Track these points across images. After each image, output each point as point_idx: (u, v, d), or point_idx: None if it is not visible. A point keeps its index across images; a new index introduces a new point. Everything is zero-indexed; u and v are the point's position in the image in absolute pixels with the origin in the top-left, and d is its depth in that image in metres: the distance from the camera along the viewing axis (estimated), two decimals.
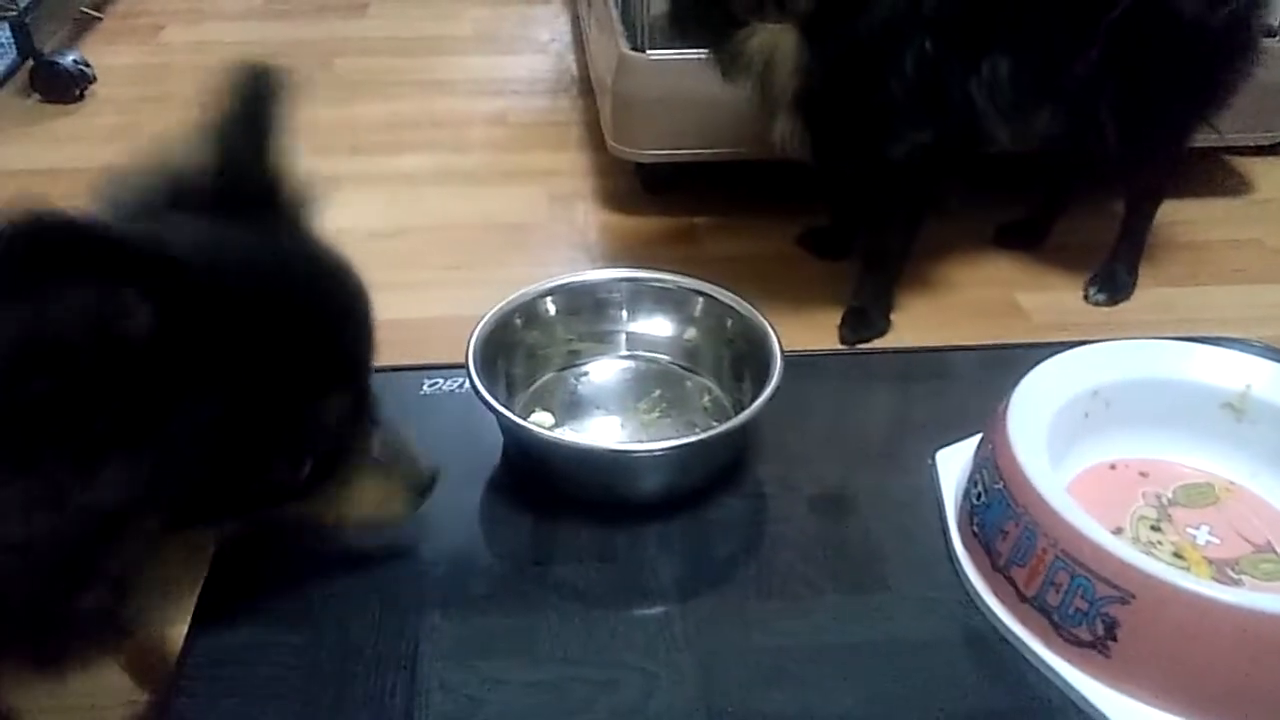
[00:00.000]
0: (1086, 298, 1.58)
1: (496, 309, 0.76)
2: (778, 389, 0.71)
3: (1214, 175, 1.89)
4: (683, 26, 1.37)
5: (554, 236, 1.76)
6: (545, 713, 0.58)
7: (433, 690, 0.59)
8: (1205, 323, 1.47)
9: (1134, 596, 0.56)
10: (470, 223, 1.77)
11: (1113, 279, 1.58)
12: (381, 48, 2.45)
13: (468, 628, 0.63)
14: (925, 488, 0.72)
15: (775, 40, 1.26)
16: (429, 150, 1.99)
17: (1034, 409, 0.67)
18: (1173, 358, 0.73)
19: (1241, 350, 0.73)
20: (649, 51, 1.62)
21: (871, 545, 0.70)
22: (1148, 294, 1.59)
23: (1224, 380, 0.71)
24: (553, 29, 2.51)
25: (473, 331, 0.74)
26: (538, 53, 2.40)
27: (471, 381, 0.71)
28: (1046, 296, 1.59)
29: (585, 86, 2.16)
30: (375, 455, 0.62)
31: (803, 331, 1.37)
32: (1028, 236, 1.68)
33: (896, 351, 0.88)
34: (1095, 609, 0.58)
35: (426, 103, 2.18)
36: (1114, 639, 0.57)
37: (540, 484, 0.72)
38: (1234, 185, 1.88)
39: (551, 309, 0.78)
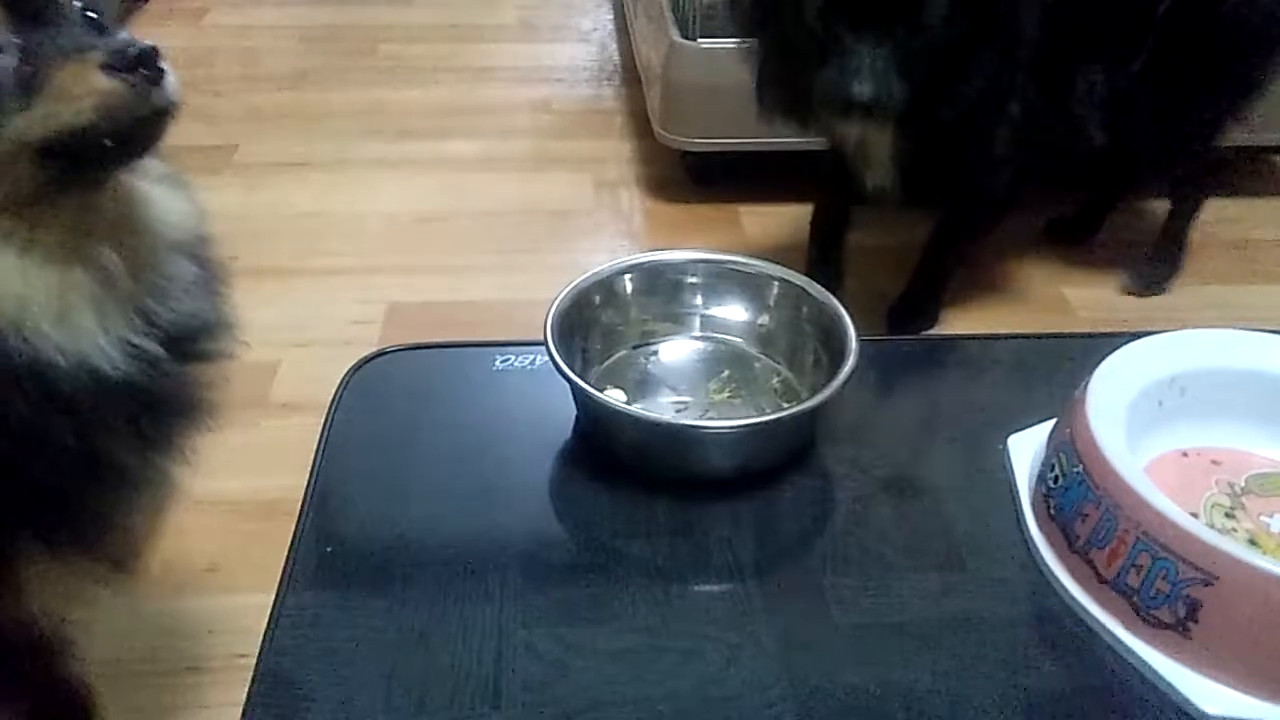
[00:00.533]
0: (1124, 286, 1.58)
1: (573, 285, 0.77)
2: (852, 373, 0.72)
3: (1262, 175, 1.88)
4: (769, 109, 1.30)
5: (599, 223, 1.77)
6: (631, 679, 0.59)
7: (519, 655, 0.60)
8: (1258, 320, 1.46)
9: (1217, 578, 0.57)
10: (517, 208, 1.79)
11: (1149, 270, 1.58)
12: (426, 34, 2.46)
13: (549, 597, 0.64)
14: (996, 472, 0.73)
15: (868, 134, 1.24)
16: (475, 136, 2.00)
17: (1113, 395, 0.68)
18: (1249, 348, 0.73)
19: None
20: (699, 40, 1.63)
21: (945, 526, 0.70)
22: (1198, 291, 1.59)
23: None
24: (595, 18, 2.51)
25: (550, 306, 0.75)
26: (580, 41, 2.41)
27: (550, 353, 0.72)
28: (1093, 292, 1.59)
29: (629, 75, 2.17)
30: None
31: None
32: (1078, 232, 1.68)
33: (963, 338, 0.88)
34: (1177, 591, 0.58)
35: (471, 89, 2.19)
36: (1195, 620, 0.58)
37: (612, 458, 0.73)
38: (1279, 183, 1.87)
39: (628, 287, 0.79)
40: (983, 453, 0.74)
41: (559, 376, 0.71)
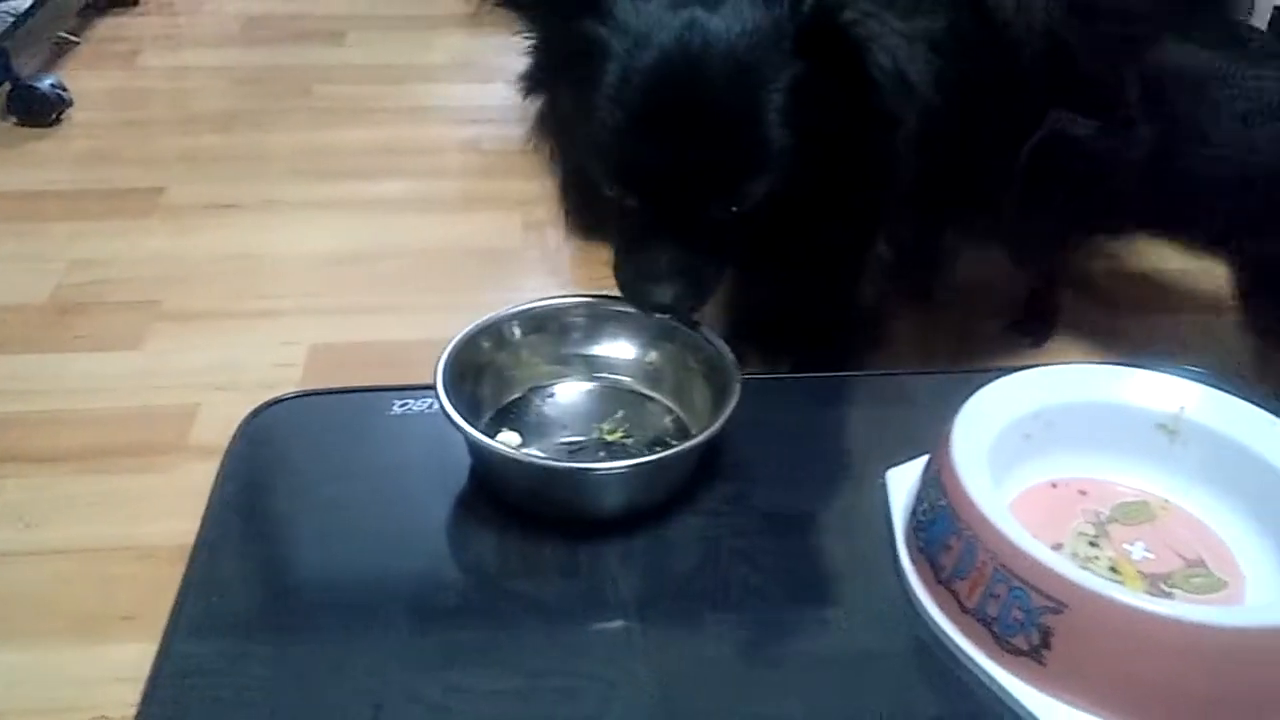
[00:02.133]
0: (1010, 338, 1.59)
1: (464, 331, 0.79)
2: (734, 411, 0.74)
3: None
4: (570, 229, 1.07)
5: (527, 263, 1.79)
6: (506, 719, 0.61)
7: (399, 699, 0.61)
8: (1153, 348, 1.52)
9: (1066, 606, 0.59)
10: (445, 248, 1.80)
11: (1031, 324, 1.60)
12: (359, 75, 2.47)
13: (435, 640, 0.66)
14: (877, 506, 0.75)
15: None
16: (405, 176, 2.01)
17: (977, 430, 0.71)
18: (1109, 381, 0.76)
19: (1175, 374, 0.76)
20: None
21: (823, 560, 0.73)
22: (1093, 323, 1.63)
23: (1158, 403, 0.75)
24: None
25: (441, 353, 0.77)
26: (512, 81, 2.43)
27: (439, 401, 0.73)
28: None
29: None
30: None
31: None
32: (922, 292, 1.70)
33: (847, 375, 0.90)
34: (1031, 619, 0.61)
35: (403, 130, 2.21)
36: (1048, 647, 0.60)
37: (506, 502, 0.75)
38: None
39: (517, 332, 0.81)
40: (863, 487, 0.77)
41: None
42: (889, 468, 0.77)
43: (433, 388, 0.75)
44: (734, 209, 0.82)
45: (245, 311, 1.62)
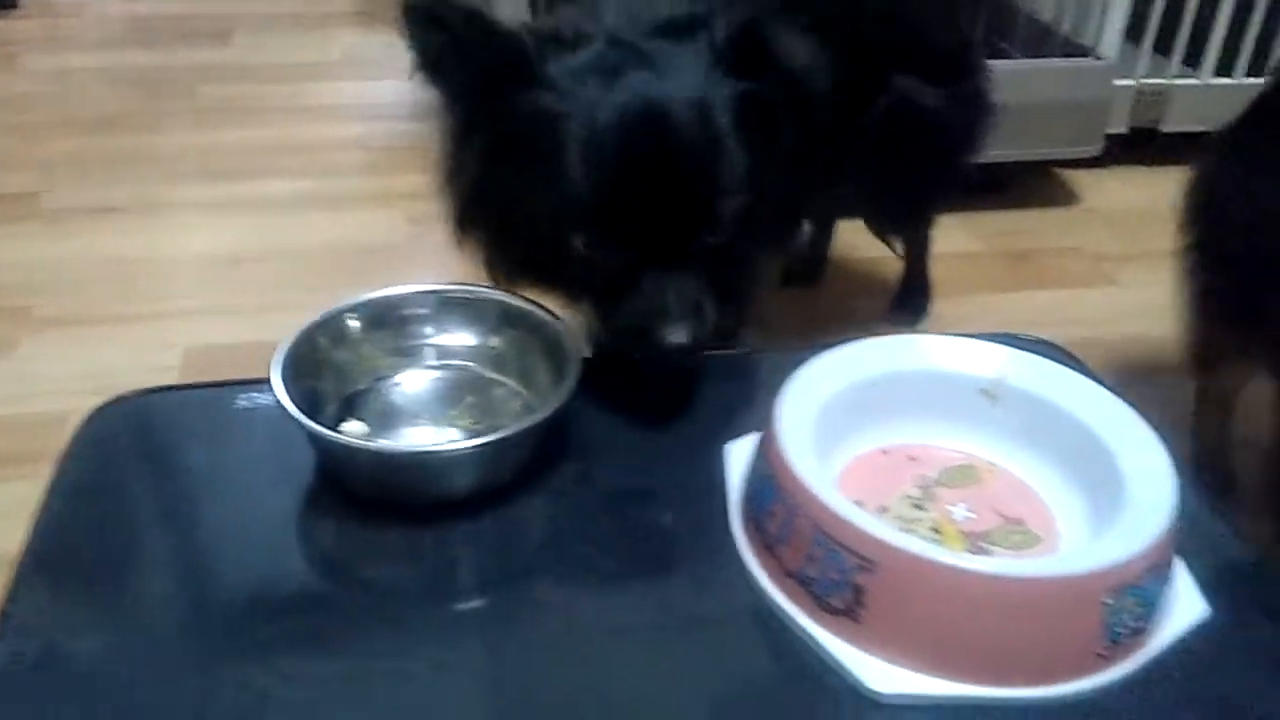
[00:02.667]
0: (889, 324, 1.63)
1: (302, 327, 0.79)
2: (578, 390, 0.75)
3: (1044, 187, 2.01)
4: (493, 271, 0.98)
5: (412, 258, 1.78)
6: (333, 703, 0.61)
7: (226, 688, 0.61)
8: (1025, 326, 1.56)
9: (876, 564, 0.62)
10: (331, 246, 1.79)
11: (907, 302, 1.65)
12: (246, 75, 2.45)
13: (267, 629, 0.66)
14: (717, 480, 0.77)
15: None
16: (290, 175, 2.00)
17: (803, 401, 0.73)
18: (934, 350, 0.79)
19: (995, 341, 0.79)
20: None
21: (663, 533, 0.74)
22: (976, 299, 1.68)
23: (980, 369, 0.78)
24: None
25: (277, 349, 0.76)
26: (402, 77, 2.42)
27: (274, 392, 0.73)
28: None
29: None
30: None
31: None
32: (811, 274, 1.74)
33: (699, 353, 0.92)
34: (846, 578, 0.63)
35: (290, 129, 2.19)
36: (863, 605, 0.63)
37: (351, 492, 0.75)
38: (1062, 196, 2.00)
39: (356, 325, 0.81)
40: (705, 462, 0.78)
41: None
42: (730, 442, 0.79)
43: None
44: (713, 237, 0.84)
45: (122, 316, 1.60)
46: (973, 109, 1.37)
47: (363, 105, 2.29)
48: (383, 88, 2.38)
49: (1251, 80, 2.09)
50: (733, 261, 0.89)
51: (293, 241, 1.79)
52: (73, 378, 1.46)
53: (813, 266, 1.72)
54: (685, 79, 0.82)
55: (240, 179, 2.00)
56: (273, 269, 1.72)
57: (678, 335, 0.80)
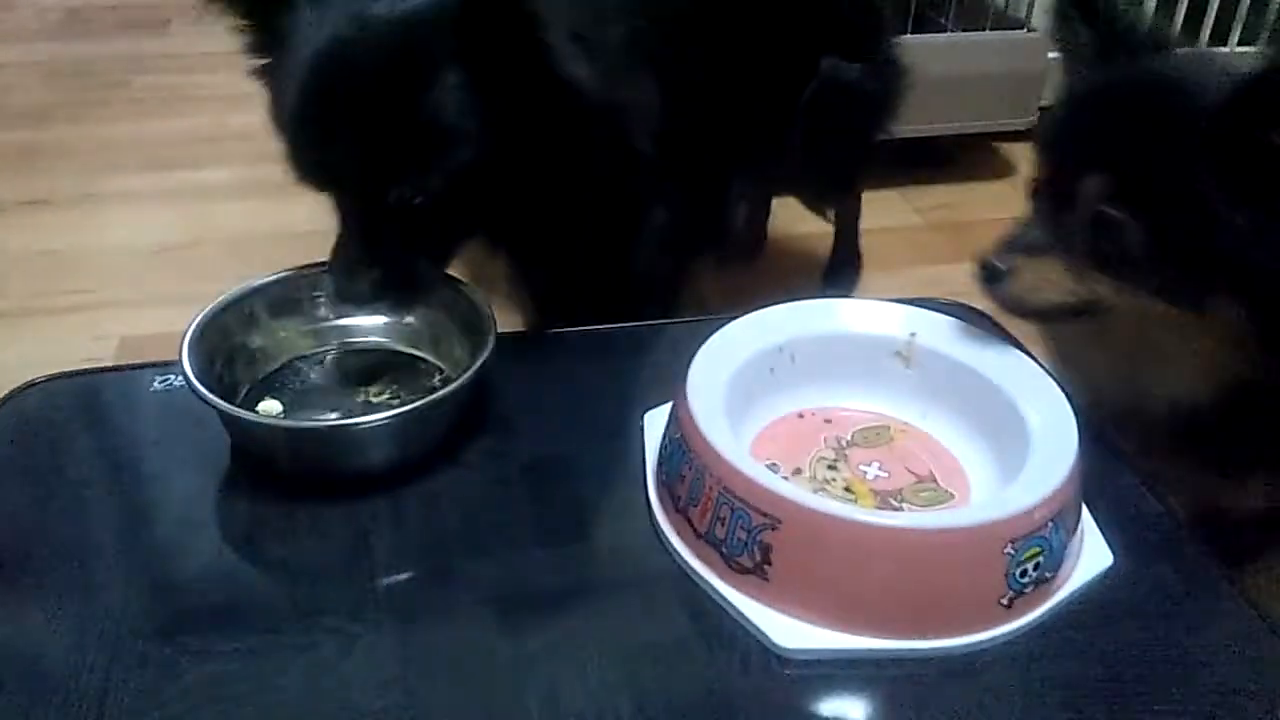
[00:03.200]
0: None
1: (208, 309, 0.78)
2: (491, 362, 0.75)
3: (982, 160, 2.02)
4: None
5: None
6: (241, 676, 0.60)
7: (132, 665, 0.61)
8: (968, 298, 1.58)
9: (781, 522, 0.62)
10: (267, 233, 1.77)
11: (839, 273, 1.66)
12: (182, 64, 2.41)
13: (173, 607, 0.65)
14: (634, 449, 0.77)
15: None
16: (227, 164, 1.97)
17: (715, 366, 0.73)
18: (846, 313, 0.80)
19: (906, 303, 0.80)
20: None
21: (578, 502, 0.74)
22: (916, 272, 1.69)
23: (892, 330, 0.79)
24: None
25: (185, 331, 0.76)
26: None
27: (183, 374, 0.72)
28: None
29: None
30: None
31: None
32: (750, 250, 1.73)
33: (610, 329, 0.92)
34: (752, 537, 0.63)
35: (226, 117, 2.15)
36: (770, 563, 0.63)
37: (265, 471, 0.75)
38: (1000, 169, 2.02)
39: (265, 308, 0.81)
40: (623, 432, 0.78)
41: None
42: (648, 411, 0.79)
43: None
44: (417, 198, 0.79)
45: (54, 308, 1.57)
46: (890, 78, 1.38)
47: None
48: None
49: None
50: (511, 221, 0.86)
51: (230, 229, 1.77)
52: (5, 369, 1.43)
53: (750, 244, 1.73)
54: (400, 29, 0.77)
55: (176, 168, 1.97)
56: (209, 257, 1.70)
57: (358, 288, 0.80)
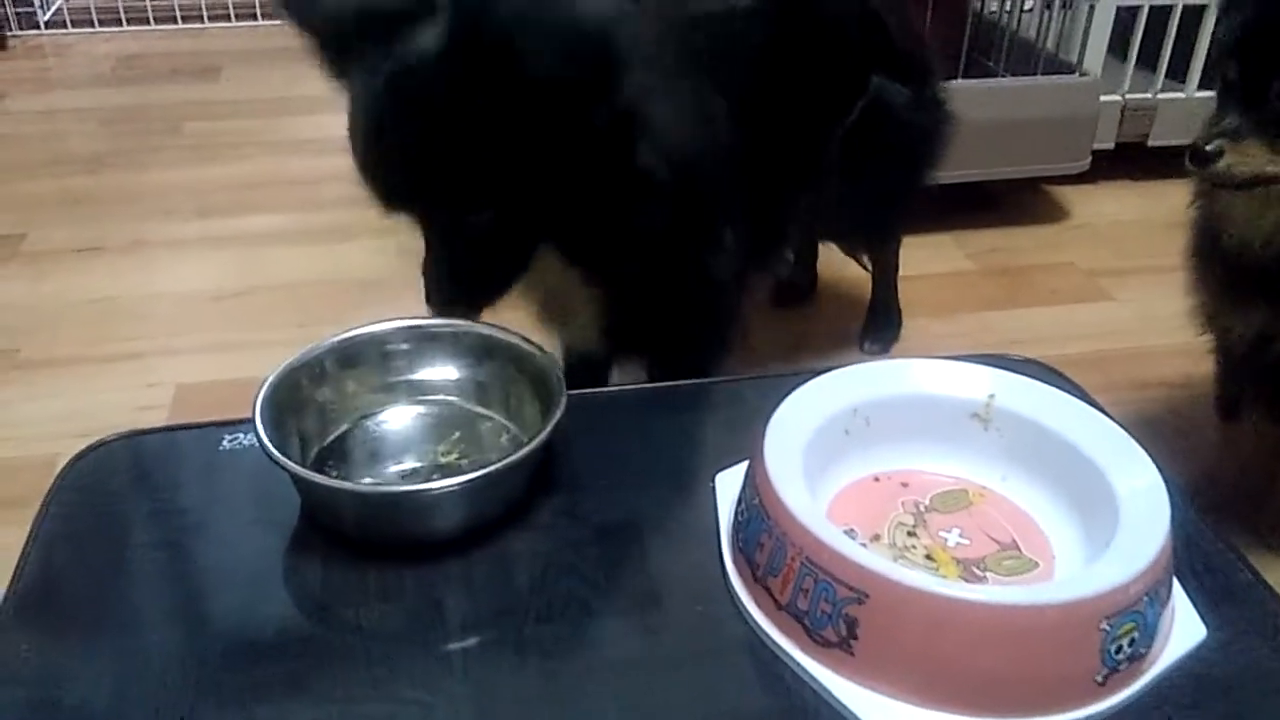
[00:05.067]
0: (862, 349, 1.61)
1: (281, 367, 0.78)
2: (564, 423, 0.74)
3: (1034, 204, 2.01)
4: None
5: (401, 290, 1.75)
6: None
7: None
8: (1021, 344, 1.56)
9: (868, 595, 0.61)
10: (319, 279, 1.78)
11: (878, 327, 1.64)
12: (233, 111, 2.45)
13: (246, 674, 0.64)
14: (706, 511, 0.76)
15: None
16: (278, 210, 2.00)
17: (791, 428, 0.72)
18: (921, 374, 0.78)
19: (981, 363, 0.79)
20: None
21: (650, 566, 0.73)
22: (969, 318, 1.68)
23: (969, 392, 0.77)
24: None
25: (258, 390, 0.76)
26: None
27: (256, 434, 0.72)
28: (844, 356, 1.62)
29: None
30: None
31: None
32: (801, 291, 1.74)
33: (677, 386, 0.91)
34: (837, 610, 0.62)
35: (277, 163, 2.19)
36: (855, 637, 0.62)
37: (336, 535, 0.74)
38: (1052, 212, 2.00)
39: (337, 365, 0.80)
40: (694, 493, 0.77)
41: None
42: (718, 471, 0.78)
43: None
44: (471, 216, 0.88)
45: (108, 355, 1.59)
46: (935, 114, 1.38)
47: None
48: None
49: None
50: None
51: (281, 276, 1.79)
52: (59, 419, 1.45)
53: (802, 285, 1.72)
54: (425, 69, 0.84)
55: (227, 215, 1.99)
56: (261, 304, 1.72)
57: (439, 296, 0.91)
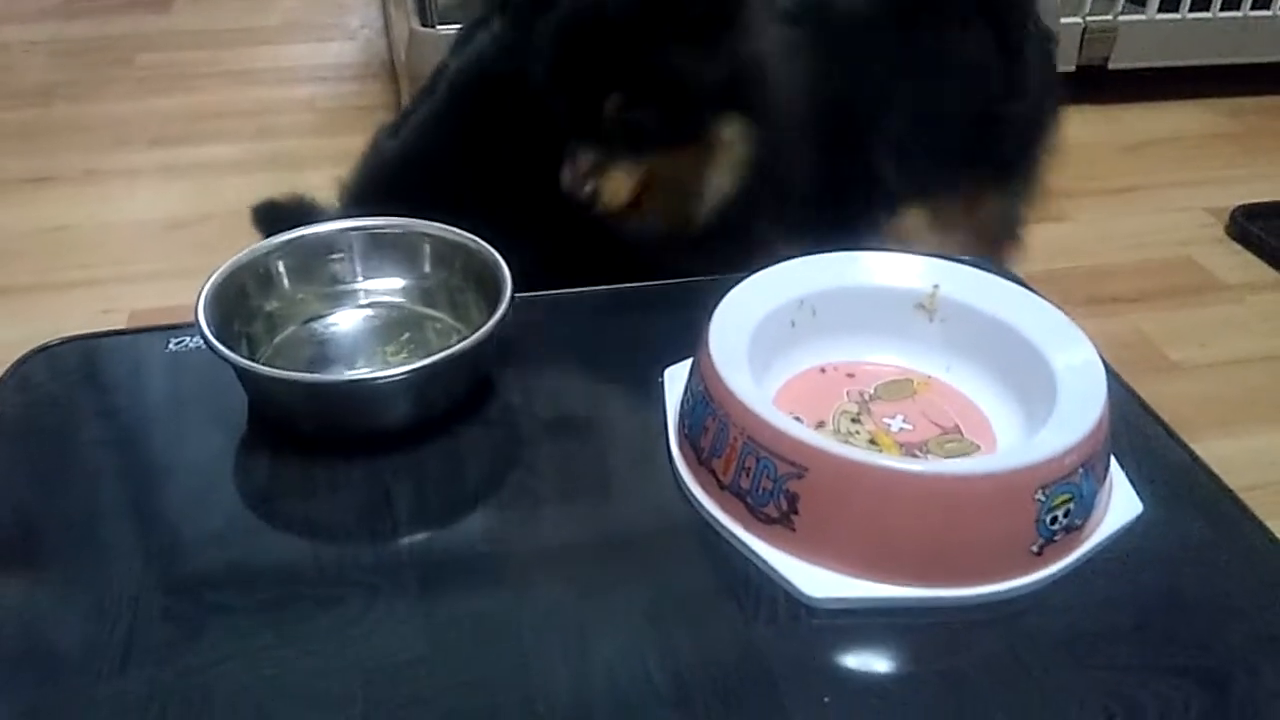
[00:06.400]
0: None
1: (224, 267, 0.77)
2: (505, 316, 0.74)
3: None
4: None
5: None
6: (265, 630, 0.60)
7: (154, 621, 0.60)
8: None
9: (807, 470, 0.61)
10: None
11: None
12: (187, 41, 2.40)
13: (196, 563, 0.65)
14: (657, 405, 0.76)
15: None
16: (233, 140, 1.97)
17: (737, 318, 0.72)
18: (866, 266, 0.78)
19: (927, 255, 0.79)
20: (439, 27, 1.64)
21: (599, 457, 0.74)
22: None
23: (915, 283, 0.77)
24: (364, 15, 2.50)
25: (200, 289, 0.75)
26: (348, 39, 2.39)
27: (200, 331, 0.72)
28: None
29: (393, 70, 2.16)
30: None
31: None
32: None
33: (625, 288, 0.91)
34: (778, 486, 0.63)
35: (232, 93, 2.15)
36: (796, 513, 0.62)
37: (284, 430, 0.74)
38: None
39: (281, 266, 0.80)
40: (644, 388, 0.78)
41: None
42: (668, 367, 0.78)
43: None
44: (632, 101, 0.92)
45: (63, 283, 1.57)
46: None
47: (307, 67, 2.26)
48: (328, 50, 2.34)
49: (1196, 15, 2.10)
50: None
51: (237, 203, 1.73)
52: (13, 345, 1.41)
53: None
54: None
55: (182, 144, 1.97)
56: (216, 231, 1.70)
57: (565, 177, 0.94)
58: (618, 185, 0.95)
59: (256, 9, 2.55)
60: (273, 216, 0.95)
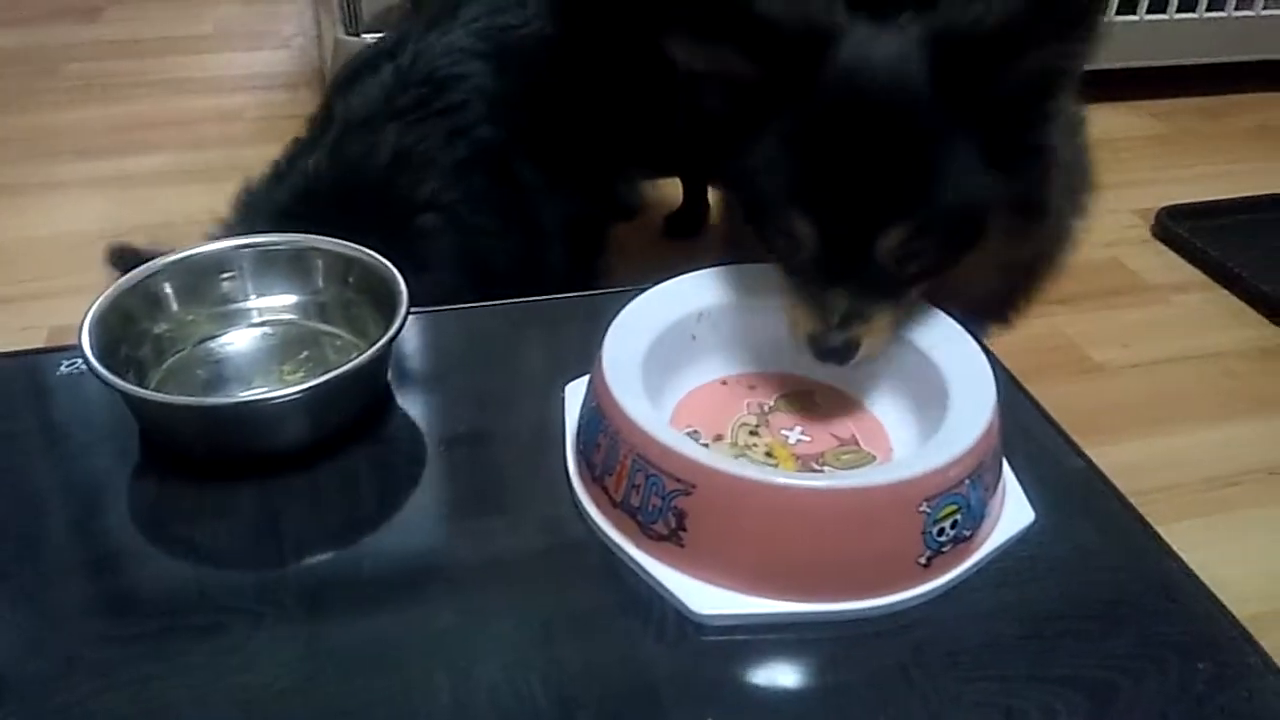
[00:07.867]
0: None
1: (108, 292, 0.76)
2: (400, 332, 0.73)
3: None
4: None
5: None
6: (141, 662, 0.59)
7: (27, 652, 0.59)
8: None
9: (694, 487, 0.61)
10: (201, 219, 1.72)
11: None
12: (116, 51, 2.36)
13: (73, 592, 0.63)
14: (557, 421, 0.76)
15: None
16: (160, 150, 1.94)
17: (633, 333, 0.72)
18: (769, 279, 0.78)
19: None
20: (363, 35, 1.62)
21: (496, 475, 0.73)
22: None
23: None
24: (297, 24, 2.47)
25: (85, 314, 0.73)
26: (280, 48, 2.36)
27: (84, 357, 0.70)
28: None
29: (325, 79, 2.14)
30: None
31: None
32: (692, 223, 1.76)
33: (535, 301, 0.90)
34: (667, 503, 0.62)
35: (161, 103, 2.12)
36: (684, 529, 0.62)
37: (173, 453, 0.73)
38: None
39: (168, 288, 0.78)
40: (544, 404, 0.77)
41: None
42: (570, 382, 0.78)
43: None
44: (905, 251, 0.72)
45: None
46: None
47: (237, 77, 2.23)
48: (259, 59, 2.31)
49: (1123, 19, 2.13)
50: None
51: (160, 216, 1.74)
52: None
53: (692, 218, 1.73)
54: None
55: (110, 155, 1.93)
56: (145, 245, 1.67)
57: (818, 347, 0.73)
58: (881, 331, 0.74)
59: (188, 17, 2.52)
60: (129, 261, 0.85)
